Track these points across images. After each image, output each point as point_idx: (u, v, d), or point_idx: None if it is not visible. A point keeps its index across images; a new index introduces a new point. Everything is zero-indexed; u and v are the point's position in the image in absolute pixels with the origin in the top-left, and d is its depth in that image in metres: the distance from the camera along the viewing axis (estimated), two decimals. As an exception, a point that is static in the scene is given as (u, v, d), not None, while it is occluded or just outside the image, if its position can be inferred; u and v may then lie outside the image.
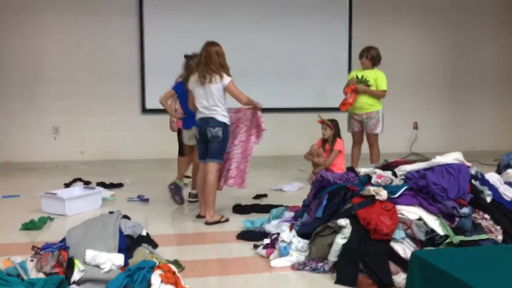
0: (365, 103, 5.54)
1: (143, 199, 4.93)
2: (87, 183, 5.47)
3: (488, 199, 3.32)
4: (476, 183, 3.39)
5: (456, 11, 8.01)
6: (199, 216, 4.26)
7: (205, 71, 4.06)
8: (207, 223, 4.06)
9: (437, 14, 7.96)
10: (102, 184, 5.37)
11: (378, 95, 5.53)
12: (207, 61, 4.07)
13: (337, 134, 5.60)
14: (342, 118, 5.84)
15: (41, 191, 4.57)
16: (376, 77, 5.53)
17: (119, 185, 5.57)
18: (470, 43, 8.12)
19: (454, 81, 8.16)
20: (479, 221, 3.17)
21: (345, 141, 5.73)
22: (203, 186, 4.21)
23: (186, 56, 4.73)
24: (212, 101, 4.06)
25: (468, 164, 3.50)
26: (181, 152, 5.02)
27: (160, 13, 7.02)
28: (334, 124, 5.57)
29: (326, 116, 5.74)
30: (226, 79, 4.05)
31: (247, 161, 4.39)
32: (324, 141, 5.64)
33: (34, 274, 2.57)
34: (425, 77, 8.03)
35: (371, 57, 5.57)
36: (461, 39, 8.08)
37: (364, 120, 5.60)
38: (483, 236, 3.06)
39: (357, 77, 5.62)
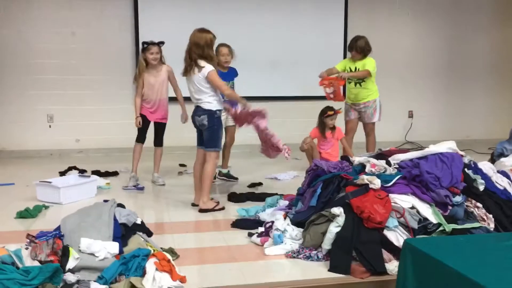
0: (364, 93, 5.53)
1: (138, 188, 4.94)
2: (82, 171, 5.47)
3: (481, 188, 3.35)
4: (469, 172, 3.41)
5: (450, 1, 8.00)
6: (193, 205, 4.27)
7: (187, 61, 4.09)
8: (200, 211, 4.08)
9: (432, 3, 7.94)
10: (97, 173, 5.37)
11: (362, 75, 5.46)
12: (189, 51, 4.09)
13: None
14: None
15: (36, 179, 4.57)
16: (364, 64, 5.50)
17: (114, 174, 5.57)
18: (464, 32, 8.11)
19: (449, 70, 8.16)
20: (472, 210, 3.21)
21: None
22: (199, 173, 4.22)
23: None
24: (198, 89, 4.08)
25: (461, 153, 3.52)
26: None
27: (154, 0, 6.97)
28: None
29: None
30: (206, 70, 4.00)
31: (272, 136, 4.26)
32: (323, 129, 5.53)
33: (29, 262, 2.59)
34: (420, 66, 8.04)
35: (360, 49, 5.48)
36: (456, 28, 8.07)
37: (361, 109, 5.60)
38: (476, 225, 3.09)
39: (350, 69, 5.59)
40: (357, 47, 5.48)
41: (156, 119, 5.16)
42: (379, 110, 5.62)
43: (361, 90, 5.55)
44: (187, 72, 4.12)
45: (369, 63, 5.49)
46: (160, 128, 5.20)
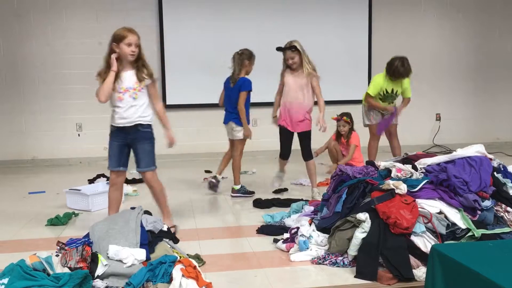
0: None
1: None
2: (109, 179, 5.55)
3: (511, 192, 3.27)
4: (498, 175, 3.34)
5: (476, 2, 7.86)
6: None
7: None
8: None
9: (457, 5, 7.82)
10: (126, 180, 5.45)
11: (407, 104, 5.43)
12: None
13: (352, 127, 5.56)
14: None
15: (66, 187, 4.68)
16: (405, 86, 5.34)
17: (141, 181, 5.63)
18: (491, 33, 7.95)
19: (476, 72, 8.01)
20: (502, 214, 3.14)
21: (362, 135, 5.69)
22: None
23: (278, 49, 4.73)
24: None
25: (490, 156, 3.45)
26: None
27: (179, 9, 7.07)
28: (350, 119, 5.53)
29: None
30: None
31: None
32: (338, 135, 5.59)
33: (59, 269, 2.64)
34: (447, 68, 7.91)
35: (409, 72, 5.22)
36: (482, 30, 7.92)
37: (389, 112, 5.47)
38: (506, 229, 3.02)
39: (386, 91, 5.32)
40: (405, 72, 5.17)
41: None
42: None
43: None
44: None
45: (408, 86, 5.32)
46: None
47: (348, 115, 5.53)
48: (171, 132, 3.75)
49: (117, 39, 3.54)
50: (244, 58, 4.86)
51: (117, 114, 3.58)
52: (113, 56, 3.52)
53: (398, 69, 5.14)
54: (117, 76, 3.52)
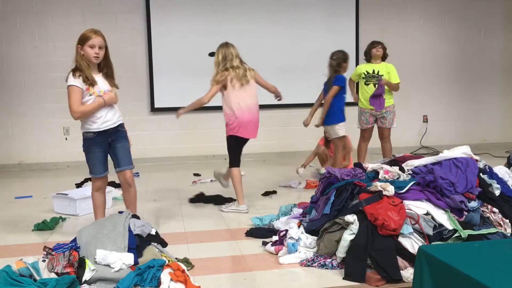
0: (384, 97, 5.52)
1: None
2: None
3: (497, 193, 3.31)
4: (484, 176, 3.37)
5: (461, 4, 7.95)
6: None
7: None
8: None
9: (443, 8, 7.90)
10: (112, 184, 5.41)
11: (395, 88, 5.48)
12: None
13: None
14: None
15: (53, 192, 4.64)
16: (389, 70, 5.46)
17: (130, 184, 5.62)
18: (477, 36, 8.05)
19: (463, 74, 8.09)
20: (488, 215, 3.17)
21: (350, 136, 5.70)
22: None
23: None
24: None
25: (476, 157, 3.48)
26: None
27: (167, 12, 7.05)
28: None
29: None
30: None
31: None
32: (326, 140, 5.62)
33: (46, 274, 2.62)
34: (433, 70, 7.98)
35: (384, 48, 5.50)
36: (468, 32, 8.01)
37: (383, 114, 5.53)
38: (492, 230, 3.05)
39: (367, 72, 5.54)
40: (383, 45, 5.49)
41: None
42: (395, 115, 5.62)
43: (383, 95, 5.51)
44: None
45: (395, 73, 5.48)
46: None
47: None
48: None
49: (82, 40, 3.46)
50: (340, 61, 5.19)
51: (99, 119, 3.49)
52: (111, 93, 3.52)
53: (367, 47, 5.54)
54: (90, 77, 3.44)
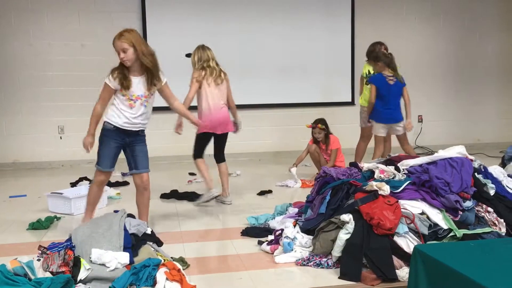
0: None
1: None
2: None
3: (491, 192, 3.32)
4: (479, 176, 3.39)
5: (456, 5, 7.97)
6: None
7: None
8: None
9: (438, 8, 7.92)
10: (107, 183, 5.40)
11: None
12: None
13: (328, 132, 5.59)
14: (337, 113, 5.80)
15: (47, 191, 4.62)
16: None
17: (125, 183, 5.61)
18: (472, 36, 8.07)
19: (458, 74, 8.12)
20: (483, 214, 3.18)
21: (346, 136, 5.73)
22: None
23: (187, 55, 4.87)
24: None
25: (471, 157, 3.50)
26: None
27: (162, 12, 7.03)
28: (325, 125, 5.55)
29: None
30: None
31: None
32: (316, 141, 5.63)
33: (41, 274, 2.61)
34: (428, 71, 8.00)
35: (386, 49, 5.49)
36: (463, 32, 8.03)
37: None
38: (487, 229, 3.07)
39: (369, 72, 5.54)
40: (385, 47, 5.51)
41: None
42: None
43: None
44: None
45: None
46: None
47: (322, 121, 5.55)
48: (194, 119, 4.00)
49: None
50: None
51: (123, 118, 3.51)
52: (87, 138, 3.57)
53: (372, 47, 5.50)
54: (127, 80, 3.46)
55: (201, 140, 4.72)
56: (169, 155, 7.05)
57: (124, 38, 3.43)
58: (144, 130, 3.68)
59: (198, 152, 4.73)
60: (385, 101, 5.11)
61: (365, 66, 5.73)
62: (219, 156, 4.81)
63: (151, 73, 3.51)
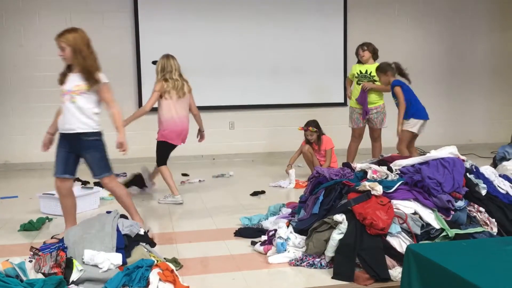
0: (373, 97, 5.55)
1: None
2: (85, 183, 5.47)
3: (483, 192, 3.35)
4: (471, 176, 3.41)
5: (448, 5, 8.02)
6: None
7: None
8: None
9: (430, 9, 7.96)
10: (99, 184, 5.37)
11: (383, 89, 5.52)
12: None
13: (320, 133, 5.61)
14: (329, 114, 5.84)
15: (39, 192, 4.59)
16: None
17: (117, 185, 5.58)
18: (464, 37, 8.12)
19: (449, 75, 8.17)
20: (474, 214, 3.20)
21: (338, 136, 5.74)
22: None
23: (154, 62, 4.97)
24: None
25: (463, 157, 3.52)
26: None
27: (155, 11, 7.02)
28: (316, 127, 5.57)
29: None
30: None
31: None
32: (308, 142, 5.64)
33: (33, 275, 2.60)
34: (420, 71, 8.01)
35: (372, 50, 5.57)
36: (455, 33, 8.08)
37: (373, 114, 5.58)
38: (479, 229, 3.09)
39: (360, 72, 5.60)
40: (370, 48, 5.59)
41: None
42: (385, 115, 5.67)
43: (371, 94, 5.55)
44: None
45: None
46: None
47: (314, 123, 5.57)
48: (122, 137, 3.54)
49: None
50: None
51: (60, 120, 3.46)
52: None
53: (361, 45, 5.65)
54: (65, 76, 3.51)
55: (164, 147, 4.83)
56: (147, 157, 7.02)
57: (64, 37, 3.44)
58: (87, 134, 3.41)
59: (162, 160, 4.86)
60: (417, 100, 5.31)
61: (355, 67, 5.75)
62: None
63: (87, 72, 3.40)
